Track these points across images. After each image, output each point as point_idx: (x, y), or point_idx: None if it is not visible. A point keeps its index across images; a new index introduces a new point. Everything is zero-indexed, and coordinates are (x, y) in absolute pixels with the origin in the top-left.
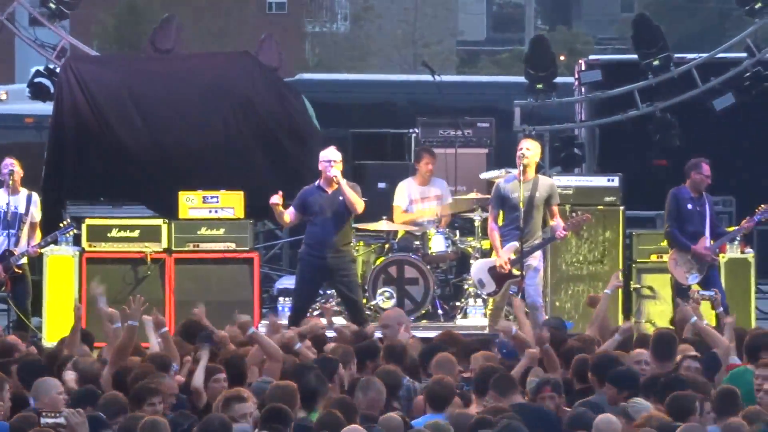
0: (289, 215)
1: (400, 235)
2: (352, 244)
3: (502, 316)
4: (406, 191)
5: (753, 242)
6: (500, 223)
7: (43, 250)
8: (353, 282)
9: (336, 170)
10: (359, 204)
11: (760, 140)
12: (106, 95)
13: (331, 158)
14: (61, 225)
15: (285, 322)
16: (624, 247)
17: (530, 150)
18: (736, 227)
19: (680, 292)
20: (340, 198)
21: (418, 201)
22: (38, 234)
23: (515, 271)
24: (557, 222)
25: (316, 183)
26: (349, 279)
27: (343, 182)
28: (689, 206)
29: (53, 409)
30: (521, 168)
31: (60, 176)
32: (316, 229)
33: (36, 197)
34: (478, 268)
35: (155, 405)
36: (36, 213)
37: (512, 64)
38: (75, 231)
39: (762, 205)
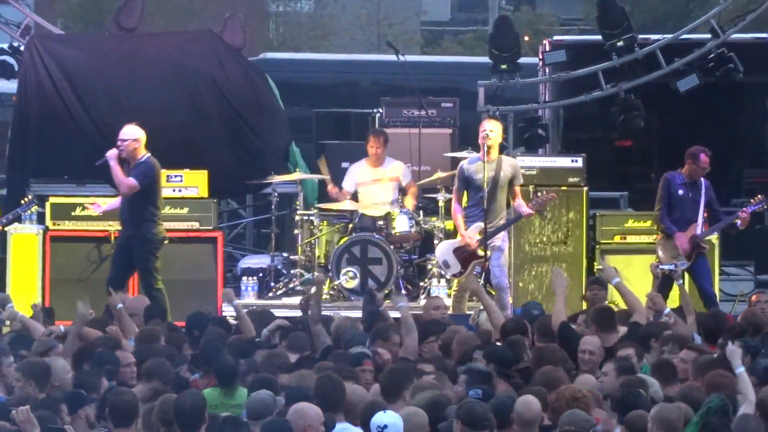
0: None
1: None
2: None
3: (466, 297)
4: (353, 174)
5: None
6: (464, 204)
7: (7, 228)
8: (140, 261)
9: (113, 151)
10: (122, 183)
11: (723, 122)
12: (71, 73)
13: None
14: (23, 201)
15: (248, 300)
16: (587, 228)
17: (493, 131)
18: (730, 216)
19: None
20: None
21: (368, 183)
22: None
23: (480, 252)
24: (519, 202)
25: None
26: (137, 259)
27: (113, 163)
28: (680, 192)
29: None
30: (485, 149)
31: (24, 154)
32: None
33: None
34: (443, 249)
35: None
36: None
37: (476, 44)
38: (37, 207)
39: (758, 196)
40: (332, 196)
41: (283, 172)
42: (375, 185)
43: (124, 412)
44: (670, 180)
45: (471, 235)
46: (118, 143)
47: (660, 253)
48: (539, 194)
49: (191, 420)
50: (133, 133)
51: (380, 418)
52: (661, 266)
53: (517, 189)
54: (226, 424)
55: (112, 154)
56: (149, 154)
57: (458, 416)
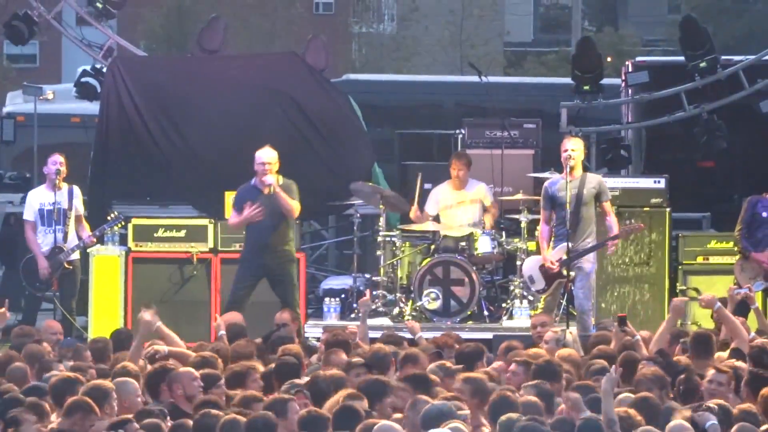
0: (232, 217)
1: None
2: (293, 244)
3: (553, 316)
4: (435, 197)
5: None
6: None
7: (89, 250)
8: (289, 283)
9: (271, 177)
10: (295, 209)
11: None
12: (153, 96)
13: (265, 161)
14: (109, 218)
15: (330, 321)
16: (670, 249)
17: (575, 150)
18: None
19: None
20: (276, 201)
21: (452, 206)
22: (86, 226)
23: (565, 272)
24: (611, 221)
25: (252, 182)
26: (284, 280)
27: (279, 189)
28: (764, 214)
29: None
30: (568, 169)
31: (106, 176)
32: (254, 231)
33: (77, 190)
34: (529, 265)
35: None
36: (79, 206)
37: (559, 65)
38: (123, 223)
39: None
40: (414, 219)
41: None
42: (459, 208)
43: None
44: (754, 202)
45: (555, 257)
46: (265, 167)
47: (737, 274)
48: (628, 223)
49: None
50: (274, 156)
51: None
52: (737, 290)
53: (606, 205)
54: None
55: (270, 180)
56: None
57: None
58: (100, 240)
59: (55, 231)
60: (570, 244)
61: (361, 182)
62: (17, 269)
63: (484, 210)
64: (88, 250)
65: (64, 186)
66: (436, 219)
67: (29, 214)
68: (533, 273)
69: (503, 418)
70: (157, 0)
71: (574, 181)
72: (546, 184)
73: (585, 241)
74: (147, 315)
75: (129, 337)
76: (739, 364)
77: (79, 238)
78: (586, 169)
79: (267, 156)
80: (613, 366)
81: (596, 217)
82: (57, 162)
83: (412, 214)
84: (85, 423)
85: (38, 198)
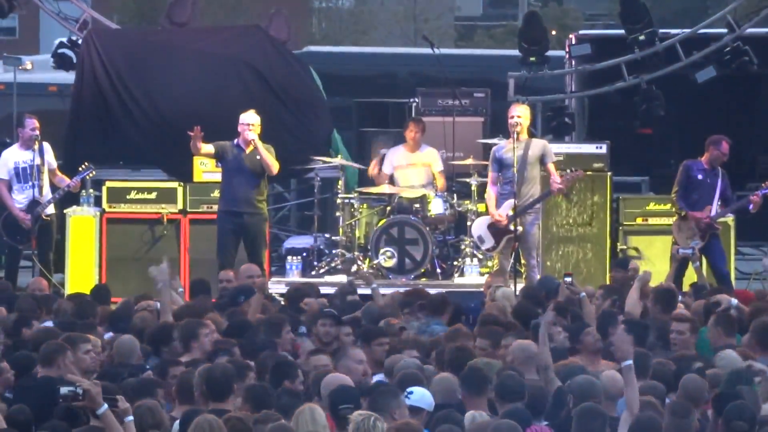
0: (205, 147)
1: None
2: (265, 203)
3: (506, 277)
4: (390, 157)
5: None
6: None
7: (66, 211)
8: (261, 240)
9: (253, 133)
10: (275, 166)
11: (738, 111)
12: (125, 66)
13: (248, 122)
14: (81, 168)
15: (292, 278)
16: (611, 211)
17: (521, 116)
18: (743, 199)
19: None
20: (257, 158)
21: (403, 167)
22: (64, 176)
23: (511, 227)
24: (553, 178)
25: (235, 141)
26: (257, 237)
27: (260, 144)
28: (699, 176)
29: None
30: (515, 135)
31: (80, 141)
32: (232, 187)
33: (47, 146)
34: (478, 225)
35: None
36: (51, 160)
37: (506, 38)
38: (94, 172)
39: None
40: (372, 176)
41: (324, 155)
42: (411, 169)
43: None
44: (689, 166)
45: (502, 212)
46: (248, 126)
47: (675, 233)
48: (568, 171)
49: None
50: (257, 119)
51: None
52: (681, 250)
53: (551, 166)
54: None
55: (251, 135)
56: None
57: None
58: (83, 184)
59: (33, 187)
60: (516, 202)
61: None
62: None
63: (432, 175)
64: (65, 211)
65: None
66: (391, 178)
67: (3, 173)
68: (482, 233)
69: None
70: None
71: (519, 145)
72: (494, 148)
73: (529, 200)
74: (154, 270)
75: (108, 292)
76: None
77: (57, 188)
78: (531, 135)
79: (251, 118)
80: (548, 310)
81: (541, 178)
82: (35, 127)
83: (370, 171)
84: None
85: (13, 157)
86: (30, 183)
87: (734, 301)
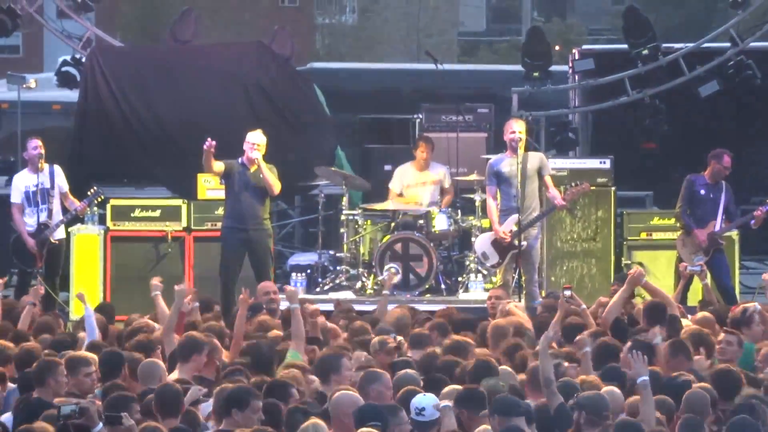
0: (217, 165)
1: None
2: (270, 220)
3: (510, 291)
4: (400, 176)
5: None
6: (498, 200)
7: (70, 229)
8: (267, 256)
9: (257, 153)
10: (276, 186)
11: (743, 125)
12: (129, 83)
13: (254, 141)
14: (89, 193)
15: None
16: (615, 226)
17: (522, 131)
18: (746, 215)
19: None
20: (261, 176)
21: (413, 185)
22: (74, 200)
23: (517, 242)
24: (553, 193)
25: (239, 160)
26: (263, 253)
27: (263, 164)
28: (702, 192)
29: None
30: (517, 148)
31: (84, 158)
32: (238, 204)
33: (58, 168)
34: (481, 242)
35: None
36: (63, 183)
37: (510, 53)
38: (102, 197)
39: None
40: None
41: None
42: (421, 188)
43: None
44: (693, 181)
45: (506, 229)
46: (253, 146)
47: (679, 249)
48: (572, 185)
49: None
50: (263, 139)
51: (419, 400)
52: (690, 268)
53: (548, 179)
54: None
55: (256, 154)
56: None
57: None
58: (90, 207)
59: (40, 210)
60: (519, 217)
61: (324, 167)
62: (6, 248)
63: (442, 191)
64: (69, 229)
65: (46, 166)
66: (401, 196)
67: (16, 197)
68: (486, 249)
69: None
70: None
71: (515, 158)
72: (490, 161)
73: (531, 214)
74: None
75: (112, 310)
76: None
77: (66, 211)
78: (527, 148)
79: (257, 138)
80: (552, 326)
81: (538, 191)
82: (37, 146)
83: (390, 197)
84: None
85: (23, 181)
86: (39, 207)
87: (758, 306)
